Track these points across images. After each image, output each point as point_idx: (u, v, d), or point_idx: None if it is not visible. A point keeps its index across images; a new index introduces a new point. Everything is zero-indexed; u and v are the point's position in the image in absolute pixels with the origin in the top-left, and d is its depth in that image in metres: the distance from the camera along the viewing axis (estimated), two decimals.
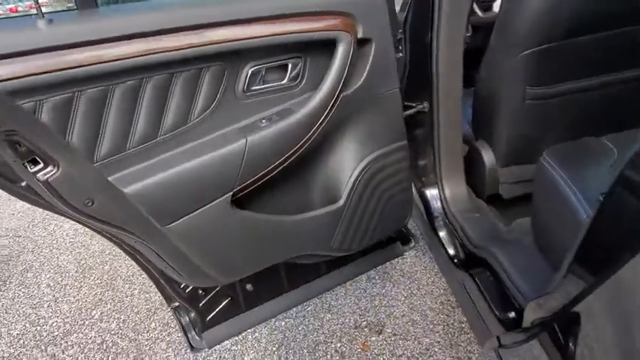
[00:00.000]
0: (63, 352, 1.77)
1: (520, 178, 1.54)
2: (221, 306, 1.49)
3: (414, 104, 1.47)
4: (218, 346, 1.65)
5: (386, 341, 1.64)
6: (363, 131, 1.21)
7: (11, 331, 1.91)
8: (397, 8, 1.37)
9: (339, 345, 1.65)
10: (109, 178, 0.92)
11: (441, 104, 1.42)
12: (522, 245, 1.30)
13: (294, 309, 1.78)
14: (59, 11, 0.97)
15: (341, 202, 1.23)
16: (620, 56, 1.29)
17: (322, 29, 1.03)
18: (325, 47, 1.06)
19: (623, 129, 1.45)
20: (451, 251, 1.54)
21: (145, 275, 1.39)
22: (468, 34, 1.38)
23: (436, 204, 1.57)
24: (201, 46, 0.92)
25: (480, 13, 2.10)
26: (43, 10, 0.81)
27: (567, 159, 1.13)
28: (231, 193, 1.04)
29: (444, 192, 1.55)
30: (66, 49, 0.79)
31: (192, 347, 1.50)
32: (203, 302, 1.46)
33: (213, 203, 1.03)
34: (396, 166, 1.28)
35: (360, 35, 1.07)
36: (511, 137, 1.46)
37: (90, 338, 1.82)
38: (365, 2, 1.07)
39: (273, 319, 1.76)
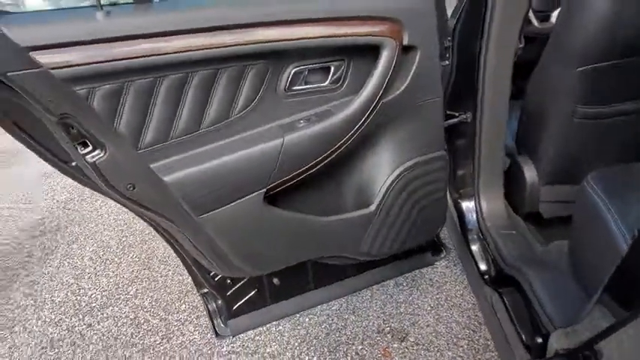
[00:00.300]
0: (98, 323, 1.87)
1: (562, 198, 1.48)
2: (247, 297, 1.53)
3: (456, 114, 1.45)
4: (242, 334, 1.69)
5: (408, 349, 1.63)
6: (400, 138, 1.20)
7: (54, 298, 2.04)
8: (449, 13, 1.35)
9: (360, 347, 1.65)
10: (151, 166, 0.97)
11: (485, 116, 1.39)
12: (557, 269, 1.26)
13: (318, 307, 1.79)
14: (117, 4, 1.02)
15: (372, 207, 1.23)
16: None
17: (367, 34, 1.03)
18: (369, 52, 1.06)
19: None
20: (482, 267, 1.51)
21: (179, 259, 1.44)
22: (520, 46, 1.33)
23: (471, 217, 1.54)
24: (247, 44, 0.94)
25: (536, 23, 2.02)
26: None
27: (612, 184, 1.08)
28: (265, 189, 1.07)
29: (481, 205, 1.51)
30: (120, 40, 0.83)
31: (217, 333, 1.55)
32: (230, 291, 1.50)
33: (246, 198, 1.06)
34: (433, 175, 1.27)
35: (405, 42, 1.06)
36: (556, 155, 1.40)
37: (124, 313, 1.91)
38: (413, 9, 1.07)
39: (298, 315, 1.78)
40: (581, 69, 1.20)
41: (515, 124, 1.60)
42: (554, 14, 2.04)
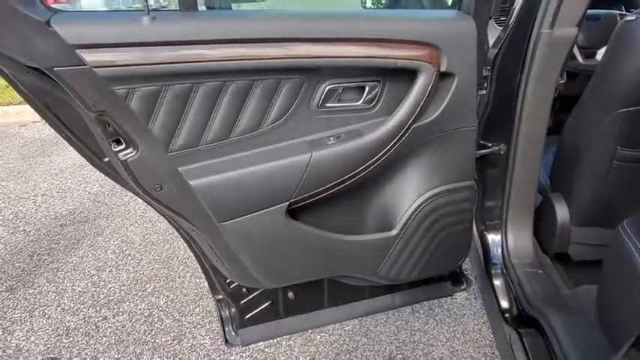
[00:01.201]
0: (114, 317, 1.90)
1: (593, 241, 1.42)
2: (261, 308, 1.52)
3: (490, 144, 1.42)
4: (252, 345, 1.68)
5: None
6: (429, 164, 1.18)
7: (75, 287, 2.09)
8: (491, 42, 1.34)
9: None
10: (180, 169, 0.98)
11: (520, 149, 1.36)
12: (583, 315, 1.21)
13: (331, 325, 1.77)
14: (164, 10, 1.05)
15: (395, 231, 1.21)
16: None
17: (405, 57, 1.03)
18: (406, 74, 1.06)
19: None
20: (503, 303, 1.46)
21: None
22: (562, 81, 1.30)
23: (496, 251, 1.50)
24: (285, 58, 0.95)
25: (580, 59, 1.98)
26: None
27: None
28: (288, 202, 1.07)
29: (507, 240, 1.47)
30: (162, 45, 0.86)
31: (226, 341, 1.54)
32: (245, 300, 1.50)
33: (269, 209, 1.06)
34: (460, 205, 1.24)
35: (443, 68, 1.06)
36: (591, 196, 1.35)
37: (139, 309, 1.94)
38: (453, 36, 1.06)
39: (309, 331, 1.76)
40: (623, 110, 1.16)
41: (550, 159, 1.55)
42: (600, 52, 1.99)
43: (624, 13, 2.03)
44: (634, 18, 1.10)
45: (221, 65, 0.91)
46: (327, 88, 1.04)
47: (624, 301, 1.05)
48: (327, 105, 1.06)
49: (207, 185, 0.99)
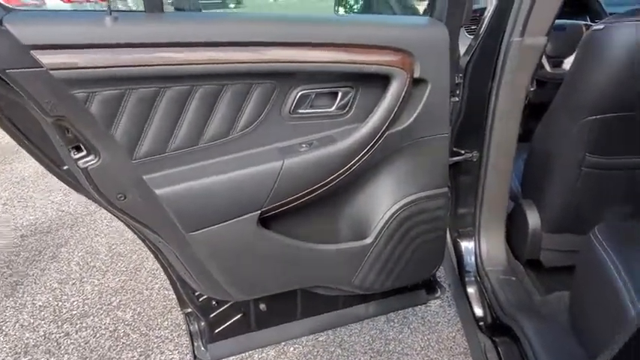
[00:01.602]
0: (76, 333, 1.81)
1: (564, 248, 1.44)
2: (232, 321, 1.47)
3: (462, 151, 1.42)
4: None
5: None
6: (403, 172, 1.17)
7: (35, 302, 1.98)
8: (462, 50, 1.34)
9: None
10: (144, 177, 0.94)
11: (492, 156, 1.36)
12: (556, 322, 1.21)
13: (304, 337, 1.73)
14: (127, 11, 1.01)
15: (369, 239, 1.19)
16: None
17: (378, 63, 1.01)
18: (379, 81, 1.04)
19: None
20: (477, 311, 1.45)
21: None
22: (532, 89, 1.31)
23: (470, 259, 1.50)
24: (256, 62, 0.92)
25: (548, 68, 2.02)
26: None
27: (620, 241, 1.04)
28: (259, 211, 1.03)
29: (481, 247, 1.47)
30: (125, 47, 0.82)
31: (195, 357, 1.49)
32: (214, 314, 1.45)
33: (240, 218, 1.03)
34: (434, 212, 1.23)
35: (416, 75, 1.05)
36: (561, 203, 1.37)
37: (104, 324, 1.85)
38: (426, 43, 1.05)
39: (282, 343, 1.72)
40: (591, 118, 1.18)
41: (521, 166, 1.57)
42: (567, 61, 2.04)
43: (589, 23, 2.09)
44: (602, 27, 1.12)
45: (189, 69, 0.88)
46: (300, 93, 1.02)
47: (596, 307, 1.06)
48: (300, 111, 1.04)
49: (173, 194, 0.95)
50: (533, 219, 1.45)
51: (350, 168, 1.07)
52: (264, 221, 1.08)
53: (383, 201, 1.19)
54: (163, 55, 0.85)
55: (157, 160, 0.94)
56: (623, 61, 1.07)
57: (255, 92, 0.97)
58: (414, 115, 1.09)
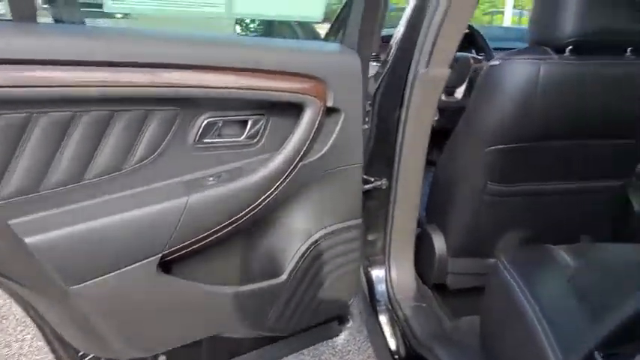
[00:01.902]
0: None
1: (469, 271, 1.49)
2: None
3: (372, 179, 1.41)
4: None
5: None
6: (317, 203, 1.11)
7: None
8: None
9: None
10: (10, 223, 0.76)
11: (401, 184, 1.37)
12: (468, 347, 1.23)
13: None
14: None
15: (283, 277, 1.11)
16: (586, 166, 1.30)
17: (291, 90, 0.95)
18: (291, 109, 0.98)
19: (578, 240, 1.46)
20: (391, 341, 1.44)
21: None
22: (436, 118, 1.35)
23: (381, 287, 1.48)
24: (154, 86, 0.81)
25: (443, 96, 2.14)
26: None
27: (525, 265, 1.09)
28: (160, 255, 0.90)
29: (391, 275, 1.46)
30: None
31: None
32: None
33: (136, 265, 0.88)
34: (348, 245, 1.19)
35: (329, 104, 1.00)
36: (466, 229, 1.42)
37: None
38: (339, 71, 1.02)
39: None
40: (492, 148, 1.23)
41: (426, 191, 1.61)
42: (459, 90, 2.18)
43: (475, 56, 2.26)
44: (498, 63, 1.18)
45: (69, 92, 0.73)
46: (206, 121, 0.91)
47: (505, 331, 1.08)
48: (206, 140, 0.93)
49: (49, 242, 0.78)
50: (439, 244, 1.49)
51: (262, 202, 0.99)
52: (166, 265, 0.95)
53: (297, 235, 1.12)
54: (36, 74, 0.70)
55: (27, 201, 0.77)
56: (519, 96, 1.13)
57: (154, 120, 0.85)
58: (328, 145, 1.04)
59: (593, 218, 1.42)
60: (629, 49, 1.13)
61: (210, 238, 0.95)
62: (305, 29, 1.98)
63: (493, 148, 1.23)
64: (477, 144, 1.27)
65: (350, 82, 1.03)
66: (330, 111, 1.02)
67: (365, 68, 1.09)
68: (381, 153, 1.37)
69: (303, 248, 1.11)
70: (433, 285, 1.55)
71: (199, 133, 0.91)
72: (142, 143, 0.86)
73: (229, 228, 0.97)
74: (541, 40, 1.16)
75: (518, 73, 1.13)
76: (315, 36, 2.20)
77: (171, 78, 0.82)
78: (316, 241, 1.13)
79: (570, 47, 1.10)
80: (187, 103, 0.87)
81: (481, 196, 1.33)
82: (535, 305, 0.97)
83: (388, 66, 1.27)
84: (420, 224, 1.58)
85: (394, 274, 1.46)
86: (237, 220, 0.97)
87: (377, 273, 1.50)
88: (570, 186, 1.31)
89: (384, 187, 1.42)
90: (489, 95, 1.21)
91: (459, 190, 1.39)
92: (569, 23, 1.08)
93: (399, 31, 1.26)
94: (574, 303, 0.97)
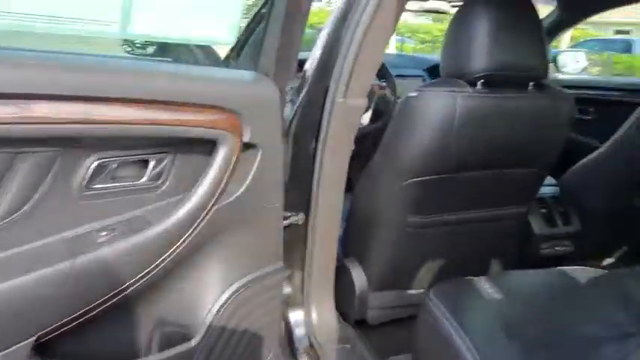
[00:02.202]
0: None
1: (390, 304, 1.45)
2: None
3: (289, 214, 1.31)
4: None
5: None
6: (234, 251, 0.98)
7: None
8: None
9: None
10: None
11: (319, 218, 1.28)
12: None
13: None
14: None
15: (194, 340, 0.95)
16: (497, 194, 1.33)
17: (200, 125, 0.83)
18: (202, 146, 0.85)
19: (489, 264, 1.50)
20: None
21: None
22: (352, 148, 1.30)
23: (300, 331, 1.36)
24: (23, 123, 0.63)
25: None
26: None
27: (453, 299, 1.06)
28: (36, 336, 0.70)
29: (311, 316, 1.36)
30: None
31: None
32: None
33: (2, 354, 0.67)
34: (270, 292, 1.07)
35: (245, 139, 0.89)
36: (386, 262, 1.37)
37: None
38: (256, 102, 0.91)
39: None
40: (412, 181, 1.21)
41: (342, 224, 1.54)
42: (365, 116, 2.18)
43: (378, 83, 2.29)
44: (416, 95, 1.16)
45: None
46: (96, 163, 0.74)
47: None
48: (97, 186, 0.76)
49: None
50: (358, 278, 1.42)
51: (169, 256, 0.83)
52: (45, 346, 0.74)
53: (211, 289, 0.97)
54: None
55: None
56: (438, 128, 1.12)
57: (27, 163, 0.66)
58: (245, 185, 0.93)
59: (502, 243, 1.47)
60: (530, 84, 1.18)
61: (103, 307, 0.77)
62: (204, 50, 1.82)
63: (413, 180, 1.21)
64: (395, 176, 1.24)
65: (268, 113, 0.93)
66: (246, 147, 0.90)
67: (283, 99, 1.00)
68: (296, 186, 1.27)
69: (219, 304, 0.97)
70: (354, 322, 1.48)
71: (87, 177, 0.74)
72: (10, 193, 0.67)
73: (129, 290, 0.80)
74: (454, 72, 1.16)
75: (437, 106, 1.12)
76: (215, 59, 2.05)
77: (47, 112, 0.64)
78: (233, 293, 0.99)
79: (482, 81, 1.12)
80: (69, 143, 0.70)
81: (402, 228, 1.29)
82: (467, 340, 0.95)
83: (304, 95, 1.19)
84: (337, 258, 1.51)
85: (314, 316, 1.36)
86: (138, 280, 0.80)
87: (295, 316, 1.38)
88: (483, 214, 1.34)
89: (300, 223, 1.32)
90: (408, 127, 1.18)
91: (378, 222, 1.35)
92: (480, 58, 1.10)
93: (314, 57, 1.19)
94: (503, 336, 0.97)
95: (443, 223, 1.30)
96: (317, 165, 1.22)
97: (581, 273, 1.25)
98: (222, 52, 1.69)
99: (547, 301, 1.13)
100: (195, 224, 0.85)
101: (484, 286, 1.13)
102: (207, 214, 0.86)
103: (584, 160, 1.68)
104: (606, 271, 1.27)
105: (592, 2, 2.06)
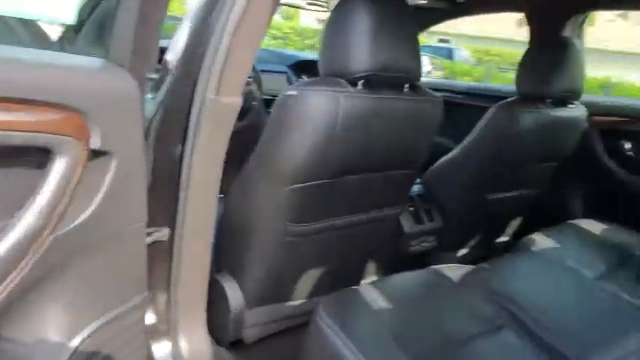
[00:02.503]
0: None
1: (268, 319, 1.33)
2: None
3: (151, 230, 1.10)
4: None
5: None
6: (83, 287, 0.77)
7: None
8: None
9: None
10: None
11: (187, 233, 1.10)
12: None
13: None
14: None
15: None
16: (376, 197, 1.31)
17: (29, 128, 0.61)
18: (32, 156, 0.63)
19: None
20: None
21: None
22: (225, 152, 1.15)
23: None
24: None
25: None
26: None
27: (340, 311, 1.02)
28: None
29: (180, 346, 1.17)
30: None
31: None
32: None
33: None
34: (132, 330, 0.87)
35: (95, 145, 0.69)
36: (265, 275, 1.25)
37: None
38: (108, 97, 0.72)
39: None
40: (292, 187, 1.11)
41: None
42: None
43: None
44: (295, 94, 1.06)
45: None
46: None
47: None
48: None
49: None
50: (233, 295, 1.28)
51: None
52: None
53: (54, 338, 0.74)
54: None
55: None
56: (321, 130, 1.04)
57: None
58: (95, 204, 0.72)
59: (379, 244, 1.46)
60: (406, 86, 1.18)
61: None
62: (28, 28, 1.45)
63: (293, 187, 1.11)
64: (274, 183, 1.13)
65: (123, 113, 0.74)
66: (96, 155, 0.71)
67: (142, 94, 0.81)
68: (159, 197, 1.08)
69: (66, 355, 0.75)
70: (229, 343, 1.33)
71: None
72: None
73: None
74: (335, 72, 1.10)
75: (319, 106, 1.03)
76: (44, 39, 1.67)
77: None
78: (83, 341, 0.77)
79: (362, 81, 1.08)
80: None
81: (280, 237, 1.19)
82: (359, 355, 0.91)
83: (166, 89, 1.01)
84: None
85: (184, 345, 1.17)
86: None
87: (161, 349, 1.18)
88: (364, 217, 1.31)
89: (164, 239, 1.13)
90: (288, 129, 1.08)
91: (255, 233, 1.22)
92: (362, 57, 1.05)
93: (178, 46, 1.01)
94: (394, 347, 0.95)
95: (324, 229, 1.23)
96: (184, 171, 1.05)
97: (452, 271, 1.30)
98: (53, 32, 1.37)
99: (428, 305, 1.14)
100: (27, 258, 0.63)
101: (370, 294, 1.09)
102: (41, 245, 0.65)
103: (442, 160, 1.79)
104: (472, 267, 1.34)
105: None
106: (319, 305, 1.01)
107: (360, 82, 1.08)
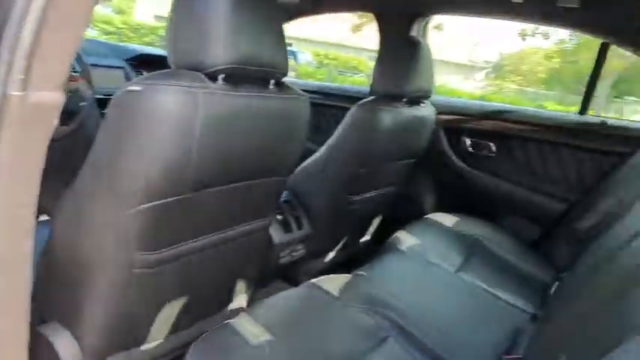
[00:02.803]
0: None
1: None
2: None
3: None
4: None
5: None
6: None
7: None
8: None
9: None
10: None
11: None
12: None
13: None
14: None
15: None
16: (243, 210, 1.14)
17: None
18: None
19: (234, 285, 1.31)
20: None
21: None
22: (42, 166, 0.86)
23: None
24: None
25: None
26: None
27: (217, 356, 0.83)
28: None
29: None
30: None
31: None
32: None
33: None
34: None
35: None
36: (109, 319, 0.98)
37: None
38: None
39: None
40: (140, 207, 0.88)
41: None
42: None
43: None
44: (140, 89, 0.83)
45: None
46: None
47: None
48: None
49: None
50: (67, 350, 0.99)
51: None
52: None
53: None
54: None
55: None
56: (176, 135, 0.84)
57: None
58: None
59: (246, 262, 1.30)
60: (271, 82, 1.04)
61: None
62: None
63: (141, 207, 0.88)
64: (116, 202, 0.89)
65: None
66: None
67: None
68: None
69: None
70: None
71: None
72: None
73: None
74: (190, 64, 0.90)
75: (173, 105, 0.83)
76: None
77: None
78: None
79: (223, 75, 0.91)
80: None
81: (127, 270, 0.94)
82: None
83: None
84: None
85: None
86: None
87: None
88: (230, 233, 1.12)
89: None
90: (131, 134, 0.85)
91: (91, 267, 0.95)
92: (222, 47, 0.88)
93: None
94: None
95: (182, 254, 1.02)
96: None
97: (330, 283, 1.22)
98: None
99: (310, 328, 1.03)
100: None
101: (247, 328, 0.94)
102: None
103: (305, 163, 1.70)
104: (349, 276, 1.27)
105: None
106: (187, 353, 0.81)
107: (220, 77, 0.91)
